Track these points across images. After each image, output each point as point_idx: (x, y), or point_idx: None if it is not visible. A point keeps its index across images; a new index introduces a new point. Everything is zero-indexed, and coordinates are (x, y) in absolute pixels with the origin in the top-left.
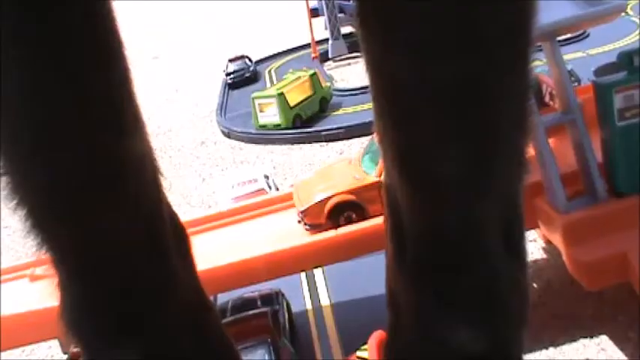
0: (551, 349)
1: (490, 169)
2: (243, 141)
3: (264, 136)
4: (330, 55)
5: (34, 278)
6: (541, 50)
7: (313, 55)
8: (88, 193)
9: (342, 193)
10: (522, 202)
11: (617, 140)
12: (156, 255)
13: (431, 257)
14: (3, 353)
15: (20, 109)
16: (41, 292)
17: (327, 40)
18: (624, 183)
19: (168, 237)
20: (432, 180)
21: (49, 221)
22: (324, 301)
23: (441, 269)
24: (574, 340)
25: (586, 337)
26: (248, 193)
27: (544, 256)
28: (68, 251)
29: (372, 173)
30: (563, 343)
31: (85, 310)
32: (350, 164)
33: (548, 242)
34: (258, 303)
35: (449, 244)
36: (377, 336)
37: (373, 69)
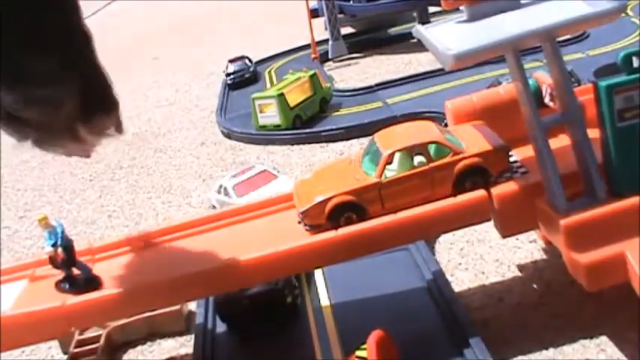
0: (551, 349)
1: None
2: (243, 141)
3: (264, 137)
4: (330, 56)
5: (34, 278)
6: (541, 51)
7: (313, 55)
8: None
9: (342, 194)
10: None
11: (617, 141)
12: None
13: None
14: (3, 353)
15: None
16: (41, 292)
17: (327, 40)
18: (624, 184)
19: None
20: None
21: None
22: (324, 301)
23: None
24: (574, 340)
25: (586, 338)
26: (250, 177)
27: (544, 256)
28: None
29: (372, 174)
30: (563, 344)
31: None
32: (350, 165)
33: (548, 243)
34: None
35: None
36: (376, 336)
37: None
